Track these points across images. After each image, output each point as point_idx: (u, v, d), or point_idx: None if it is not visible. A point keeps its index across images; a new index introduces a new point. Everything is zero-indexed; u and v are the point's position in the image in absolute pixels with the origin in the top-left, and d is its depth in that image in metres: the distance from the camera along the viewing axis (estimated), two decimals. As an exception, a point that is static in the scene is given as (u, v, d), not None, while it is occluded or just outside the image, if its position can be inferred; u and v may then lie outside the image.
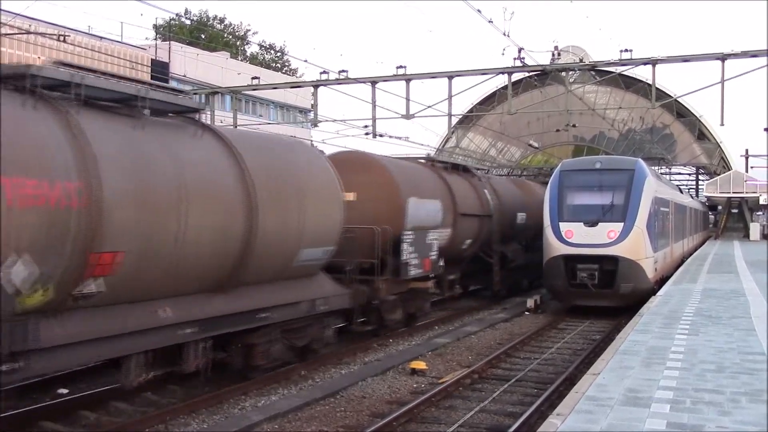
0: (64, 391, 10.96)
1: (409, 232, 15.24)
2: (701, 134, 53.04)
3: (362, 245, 14.22)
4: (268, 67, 62.11)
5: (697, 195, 60.97)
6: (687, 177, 71.12)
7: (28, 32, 27.16)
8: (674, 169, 63.42)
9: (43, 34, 27.04)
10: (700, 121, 51.08)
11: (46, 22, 31.74)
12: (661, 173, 41.81)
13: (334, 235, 12.66)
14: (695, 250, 34.98)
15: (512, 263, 22.65)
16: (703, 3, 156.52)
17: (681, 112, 51.23)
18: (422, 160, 19.52)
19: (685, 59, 21.36)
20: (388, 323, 15.69)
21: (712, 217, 62.28)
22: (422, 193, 16.26)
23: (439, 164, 19.90)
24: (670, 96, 35.47)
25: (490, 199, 21.23)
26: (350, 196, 14.45)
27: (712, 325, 11.97)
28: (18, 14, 26.77)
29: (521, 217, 23.62)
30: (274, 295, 11.49)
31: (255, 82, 26.24)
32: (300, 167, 12.16)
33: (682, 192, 35.34)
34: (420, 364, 13.16)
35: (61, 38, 25.27)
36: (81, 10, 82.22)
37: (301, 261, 11.88)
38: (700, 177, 67.84)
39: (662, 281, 20.59)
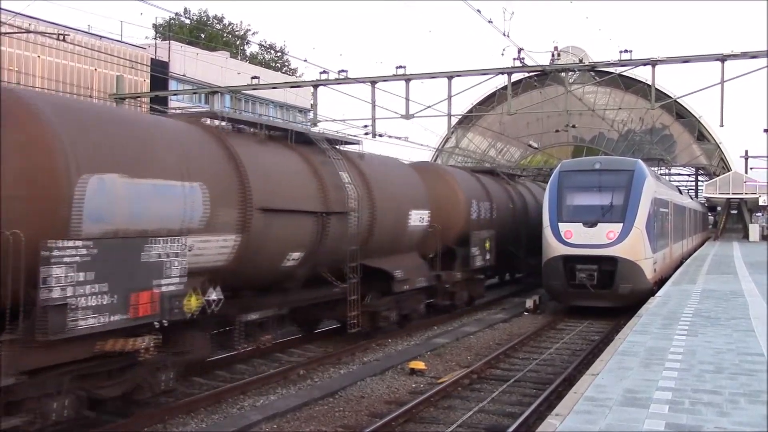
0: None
1: (78, 243, 7.92)
2: (701, 135, 53.06)
3: None
4: (267, 66, 62.04)
5: (696, 196, 60.97)
6: (686, 178, 71.14)
7: (28, 31, 27.15)
8: (674, 170, 63.38)
9: (42, 33, 27.04)
10: (699, 121, 51.11)
11: (45, 21, 31.68)
12: (661, 174, 41.78)
13: None
14: (694, 250, 34.98)
15: (404, 284, 15.71)
16: (703, 3, 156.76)
17: (681, 113, 51.26)
18: (215, 122, 11.93)
19: (685, 60, 21.33)
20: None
21: (711, 218, 62.31)
22: (147, 168, 9.13)
23: (239, 126, 12.38)
24: (669, 97, 35.48)
25: (351, 187, 13.78)
26: None
27: (710, 326, 11.98)
28: (18, 13, 26.76)
29: (418, 217, 16.63)
30: None
31: (254, 81, 26.20)
32: None
33: (681, 193, 35.35)
34: (419, 364, 13.17)
35: (61, 37, 25.30)
36: (81, 9, 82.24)
37: None
38: (700, 178, 67.83)
39: (661, 282, 20.60)
